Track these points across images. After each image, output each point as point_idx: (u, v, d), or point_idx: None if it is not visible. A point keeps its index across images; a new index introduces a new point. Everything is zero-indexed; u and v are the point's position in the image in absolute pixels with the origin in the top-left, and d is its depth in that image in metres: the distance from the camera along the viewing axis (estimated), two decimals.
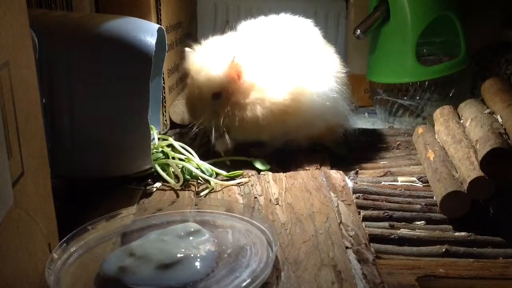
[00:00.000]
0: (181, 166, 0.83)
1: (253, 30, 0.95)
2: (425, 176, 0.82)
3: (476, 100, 0.90)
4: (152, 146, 0.83)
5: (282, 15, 0.98)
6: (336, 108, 0.92)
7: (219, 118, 0.88)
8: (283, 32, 0.94)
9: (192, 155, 0.86)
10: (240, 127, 0.88)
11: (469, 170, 0.71)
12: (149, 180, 0.82)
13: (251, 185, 0.80)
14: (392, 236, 0.68)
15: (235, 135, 0.89)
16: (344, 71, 0.95)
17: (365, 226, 0.70)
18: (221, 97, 0.88)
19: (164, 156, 0.85)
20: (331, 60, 0.95)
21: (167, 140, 0.90)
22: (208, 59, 0.88)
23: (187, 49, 0.92)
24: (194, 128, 0.89)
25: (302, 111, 0.88)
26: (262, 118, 0.86)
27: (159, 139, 0.91)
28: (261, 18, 0.98)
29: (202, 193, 0.79)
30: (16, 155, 0.51)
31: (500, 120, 0.79)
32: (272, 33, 0.94)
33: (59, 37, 0.74)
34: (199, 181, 0.83)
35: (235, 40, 0.93)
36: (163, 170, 0.82)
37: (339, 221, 0.69)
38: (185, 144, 0.89)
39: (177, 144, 0.88)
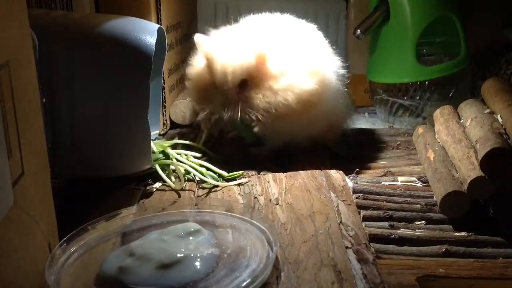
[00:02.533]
0: (181, 166, 0.83)
1: (263, 22, 0.94)
2: (425, 176, 0.82)
3: (476, 100, 0.90)
4: (152, 146, 0.83)
5: (277, 14, 0.98)
6: (338, 106, 0.92)
7: (245, 109, 0.84)
8: (290, 26, 0.94)
9: (192, 155, 0.86)
10: (272, 117, 0.84)
11: (469, 170, 0.71)
12: (149, 180, 0.82)
13: (251, 185, 0.80)
14: (392, 236, 0.68)
15: (264, 129, 0.86)
16: (345, 70, 0.95)
17: (365, 226, 0.70)
18: (247, 87, 0.84)
19: (164, 156, 0.85)
20: (333, 57, 0.95)
21: (167, 140, 0.90)
22: (232, 45, 0.85)
23: (198, 35, 0.88)
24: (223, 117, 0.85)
25: (324, 101, 0.87)
26: (294, 104, 0.84)
27: (159, 139, 0.91)
28: (263, 15, 0.97)
29: (202, 193, 0.79)
30: (16, 155, 0.51)
31: (500, 120, 0.79)
32: (282, 26, 0.93)
33: (59, 37, 0.74)
34: (199, 181, 0.83)
35: (251, 29, 0.91)
36: (163, 170, 0.82)
37: (339, 221, 0.69)
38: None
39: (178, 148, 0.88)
